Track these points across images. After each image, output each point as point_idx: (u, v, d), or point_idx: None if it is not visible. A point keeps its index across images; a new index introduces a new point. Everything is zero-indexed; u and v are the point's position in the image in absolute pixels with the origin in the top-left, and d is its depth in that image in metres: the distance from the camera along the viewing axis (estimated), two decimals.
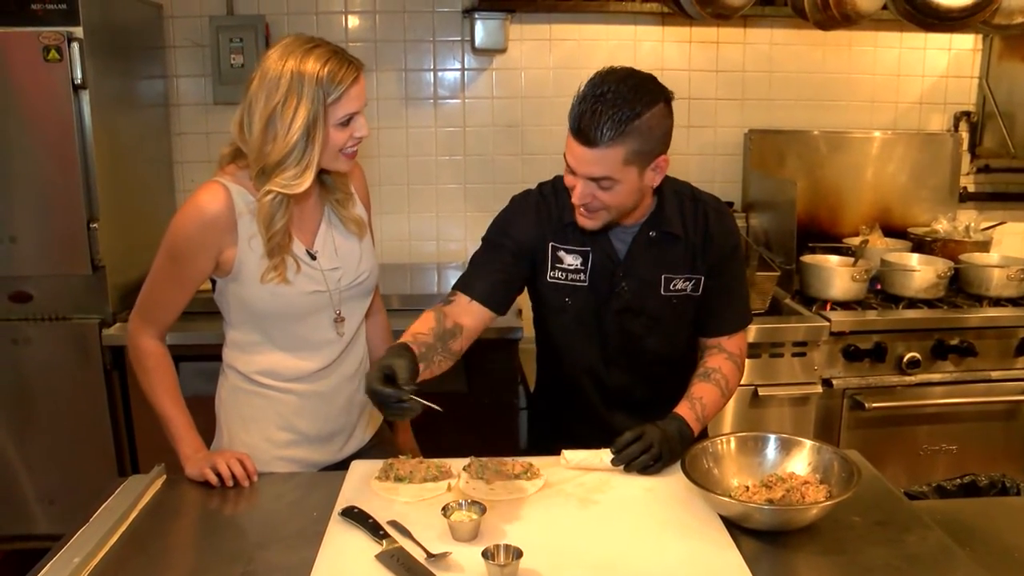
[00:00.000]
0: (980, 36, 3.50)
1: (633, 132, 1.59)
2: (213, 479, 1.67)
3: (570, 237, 1.85)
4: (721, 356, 1.90)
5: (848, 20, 2.31)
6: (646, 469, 1.66)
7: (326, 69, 1.62)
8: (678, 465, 1.57)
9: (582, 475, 1.68)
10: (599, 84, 1.63)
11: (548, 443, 1.86)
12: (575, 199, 1.69)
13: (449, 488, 1.63)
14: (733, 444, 1.62)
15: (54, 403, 2.71)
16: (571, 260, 1.84)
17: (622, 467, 1.68)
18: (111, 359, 2.67)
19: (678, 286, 1.85)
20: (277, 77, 1.62)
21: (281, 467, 1.84)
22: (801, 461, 1.58)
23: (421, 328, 1.75)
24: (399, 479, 1.64)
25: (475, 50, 3.27)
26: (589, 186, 1.66)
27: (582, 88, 1.65)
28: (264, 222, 1.68)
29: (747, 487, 1.54)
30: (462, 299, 1.84)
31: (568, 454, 1.72)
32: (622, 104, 1.59)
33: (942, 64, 3.54)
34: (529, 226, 1.86)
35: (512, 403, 2.81)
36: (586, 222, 1.75)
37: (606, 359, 1.91)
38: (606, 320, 1.87)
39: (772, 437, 1.62)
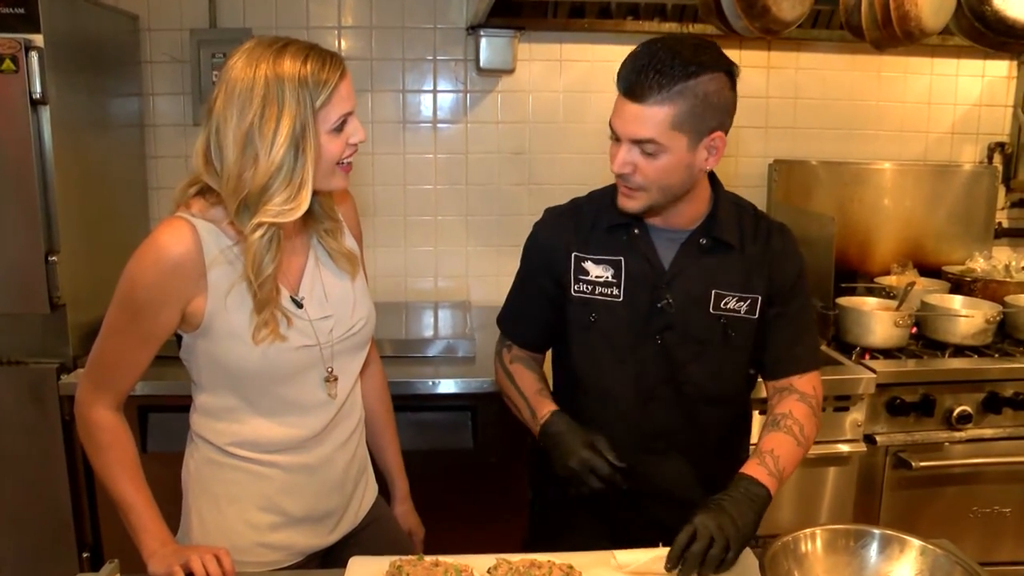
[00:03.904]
0: (1015, 63, 3.30)
1: (686, 93, 1.44)
2: None
3: (598, 245, 1.64)
4: (792, 398, 1.65)
5: (910, 38, 2.08)
6: (721, 564, 1.36)
7: (308, 67, 1.35)
8: (753, 566, 1.28)
9: None
10: (654, 42, 1.50)
11: (560, 513, 1.64)
12: (615, 167, 1.52)
13: None
14: (820, 541, 1.34)
15: (4, 457, 2.39)
16: (599, 271, 1.64)
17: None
18: (70, 409, 2.36)
19: (730, 305, 1.63)
20: (248, 87, 1.33)
21: (262, 555, 1.55)
22: (905, 564, 1.30)
23: (533, 384, 1.72)
24: None
25: (480, 70, 3.02)
26: (632, 152, 1.50)
27: (636, 47, 1.51)
28: (254, 266, 1.38)
29: None
30: (516, 348, 1.78)
31: (621, 556, 1.43)
32: (676, 60, 1.44)
33: (975, 92, 3.33)
34: (551, 239, 1.69)
35: (522, 460, 2.53)
36: (626, 202, 1.57)
37: (642, 392, 1.66)
38: (644, 342, 1.63)
39: (869, 533, 1.35)
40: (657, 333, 1.63)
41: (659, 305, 1.62)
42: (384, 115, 3.07)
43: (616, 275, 1.63)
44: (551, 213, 1.77)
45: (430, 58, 3.06)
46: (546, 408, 1.63)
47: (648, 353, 1.64)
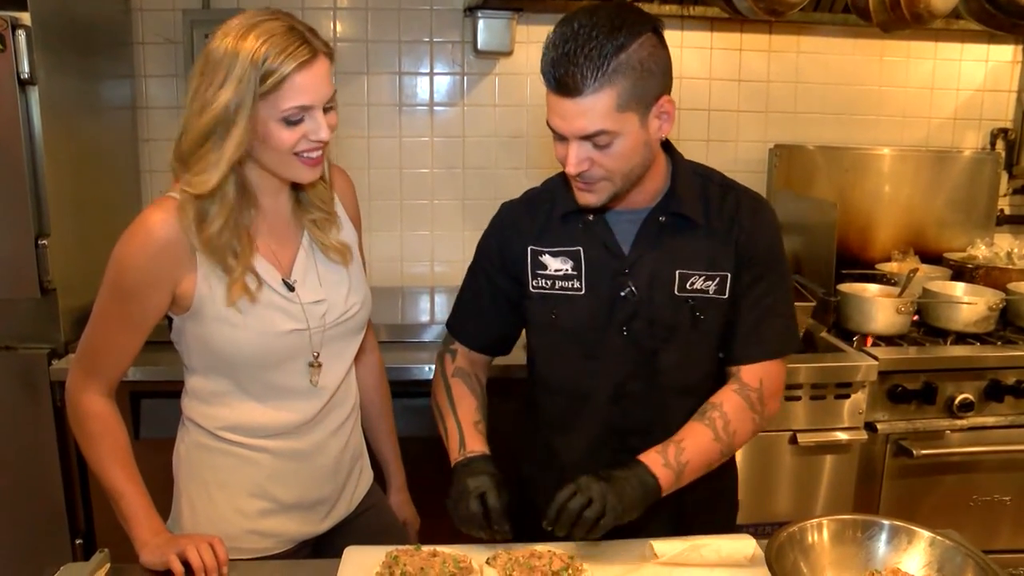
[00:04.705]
0: (1020, 47, 3.27)
1: (621, 69, 1.31)
2: (179, 569, 1.34)
3: (555, 237, 1.55)
4: (729, 389, 1.53)
5: (919, 20, 2.04)
6: (591, 531, 1.33)
7: (264, 49, 1.29)
8: (760, 560, 1.26)
9: (636, 571, 1.36)
10: (568, 22, 1.35)
11: (537, 508, 1.53)
12: (570, 168, 1.39)
13: None
14: (826, 532, 1.31)
15: None
16: (557, 264, 1.54)
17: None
18: (61, 395, 2.31)
19: (696, 285, 1.51)
20: (215, 50, 1.32)
21: (252, 542, 1.53)
22: (914, 556, 1.27)
23: (472, 413, 1.60)
24: None
25: (477, 52, 2.97)
26: (583, 148, 1.37)
27: (549, 34, 1.36)
28: (194, 223, 1.36)
29: None
30: (462, 349, 1.67)
31: (658, 546, 1.41)
32: (600, 38, 1.31)
33: (978, 77, 3.30)
34: (506, 235, 1.60)
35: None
36: (587, 197, 1.45)
37: (612, 388, 1.55)
38: (610, 335, 1.53)
39: (877, 524, 1.32)
40: (623, 324, 1.52)
41: (622, 294, 1.51)
42: (380, 98, 3.03)
43: (576, 267, 1.53)
44: (505, 207, 1.67)
45: (426, 40, 3.01)
46: (477, 447, 1.53)
47: (615, 346, 1.53)
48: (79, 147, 2.50)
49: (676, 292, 1.51)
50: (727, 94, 3.17)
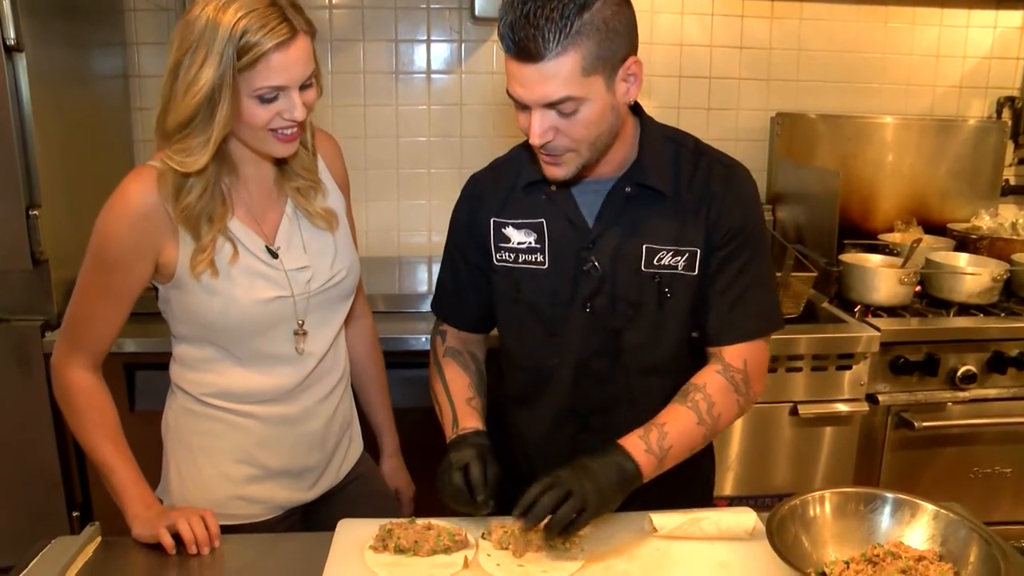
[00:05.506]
0: None
1: (585, 30, 1.22)
2: (169, 543, 1.33)
3: (518, 208, 1.48)
4: (711, 370, 1.45)
5: None
6: (570, 526, 1.26)
7: (242, 23, 1.25)
8: (760, 533, 1.24)
9: (637, 547, 1.34)
10: None
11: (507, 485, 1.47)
12: (533, 139, 1.30)
13: (467, 563, 1.29)
14: (828, 505, 1.28)
15: None
16: (520, 237, 1.47)
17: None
18: None
19: (664, 261, 1.43)
20: (192, 21, 1.28)
21: (239, 508, 1.52)
22: (917, 529, 1.25)
23: (464, 391, 1.55)
24: (400, 550, 1.30)
25: (475, 18, 2.91)
26: (547, 117, 1.28)
27: None
28: (172, 193, 1.34)
29: (847, 563, 1.21)
30: (452, 330, 1.62)
31: (657, 519, 1.38)
32: None
33: (985, 44, 3.23)
34: (472, 207, 1.54)
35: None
36: (554, 171, 1.37)
37: (575, 367, 1.50)
38: (573, 312, 1.47)
39: (880, 496, 1.29)
40: (586, 301, 1.46)
41: (585, 268, 1.44)
42: (376, 65, 2.98)
43: (540, 240, 1.46)
44: (472, 178, 1.59)
45: (423, 6, 2.95)
46: (471, 423, 1.48)
47: (578, 323, 1.47)
48: (69, 116, 2.45)
49: (643, 268, 1.44)
50: (728, 61, 3.11)
